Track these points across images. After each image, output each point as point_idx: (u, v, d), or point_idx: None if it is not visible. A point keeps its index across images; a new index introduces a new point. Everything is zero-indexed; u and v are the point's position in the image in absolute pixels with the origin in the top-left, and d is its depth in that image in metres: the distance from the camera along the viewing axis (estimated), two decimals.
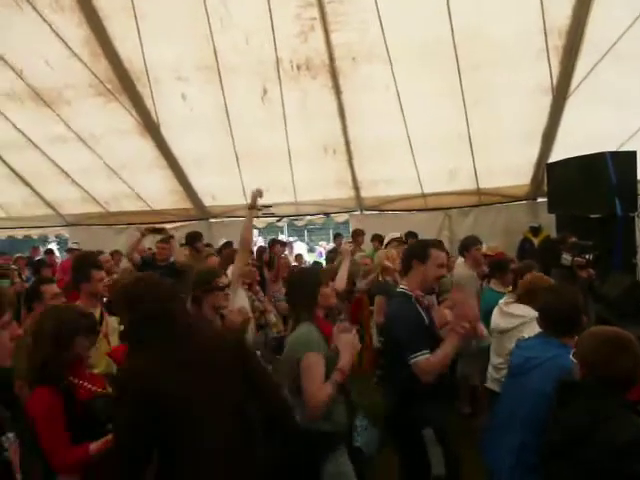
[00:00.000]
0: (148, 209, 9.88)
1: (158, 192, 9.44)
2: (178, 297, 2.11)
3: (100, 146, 8.47)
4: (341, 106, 7.43)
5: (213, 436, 1.86)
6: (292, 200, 9.24)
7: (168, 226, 10.08)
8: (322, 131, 7.86)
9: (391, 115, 7.36)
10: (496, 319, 3.90)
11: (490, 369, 3.94)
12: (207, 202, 9.69)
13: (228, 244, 7.62)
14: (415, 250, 3.09)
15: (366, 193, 9.09)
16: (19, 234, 11.32)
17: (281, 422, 2.17)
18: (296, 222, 10.64)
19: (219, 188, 9.27)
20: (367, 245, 8.15)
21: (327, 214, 9.85)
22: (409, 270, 3.05)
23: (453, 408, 4.83)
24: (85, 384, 2.40)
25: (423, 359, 2.73)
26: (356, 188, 8.95)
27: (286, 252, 9.69)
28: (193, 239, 6.75)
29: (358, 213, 9.57)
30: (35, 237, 11.51)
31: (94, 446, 2.28)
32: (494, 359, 3.91)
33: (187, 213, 9.91)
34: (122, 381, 1.94)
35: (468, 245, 5.40)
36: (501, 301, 3.97)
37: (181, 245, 8.85)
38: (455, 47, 6.45)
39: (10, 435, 1.58)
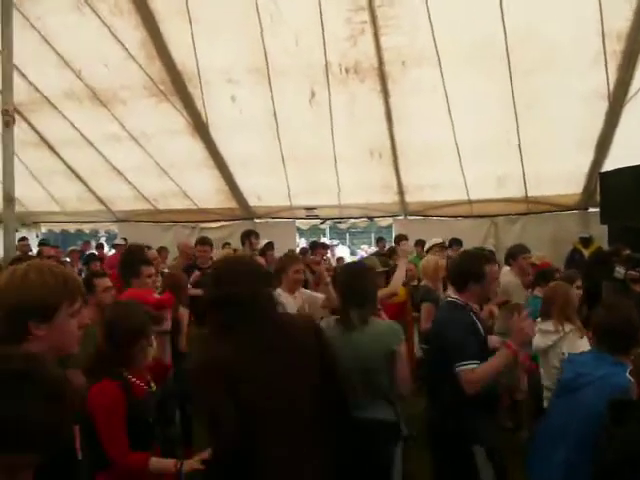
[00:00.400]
0: (195, 207, 10.09)
1: (205, 191, 9.63)
2: (268, 280, 2.14)
3: (151, 145, 8.70)
4: (388, 110, 7.39)
5: (290, 424, 1.91)
6: (336, 203, 9.25)
7: (213, 225, 10.33)
8: (368, 135, 7.84)
9: (439, 119, 7.28)
10: (534, 339, 3.78)
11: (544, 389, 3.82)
12: (252, 202, 9.82)
13: (269, 245, 7.68)
14: (470, 270, 2.91)
15: (411, 198, 9.01)
16: (72, 228, 11.78)
17: (344, 409, 2.19)
18: (339, 225, 10.65)
19: (264, 189, 9.38)
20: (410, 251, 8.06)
21: (371, 218, 9.81)
22: (464, 288, 2.90)
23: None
24: (137, 382, 2.45)
25: (469, 370, 2.63)
26: (401, 193, 8.88)
27: (328, 255, 9.71)
28: (248, 235, 6.85)
29: (402, 218, 9.50)
30: (87, 231, 11.95)
31: (155, 462, 2.30)
32: (544, 380, 3.78)
33: (232, 213, 10.07)
34: (207, 366, 1.94)
35: (515, 253, 5.27)
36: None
37: (224, 245, 9.03)
38: (507, 49, 6.30)
39: None
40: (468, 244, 7.49)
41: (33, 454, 1.02)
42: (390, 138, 7.79)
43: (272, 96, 7.43)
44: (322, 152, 8.12)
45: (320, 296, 4.21)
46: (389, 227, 10.24)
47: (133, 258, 4.19)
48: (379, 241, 10.29)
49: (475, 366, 2.62)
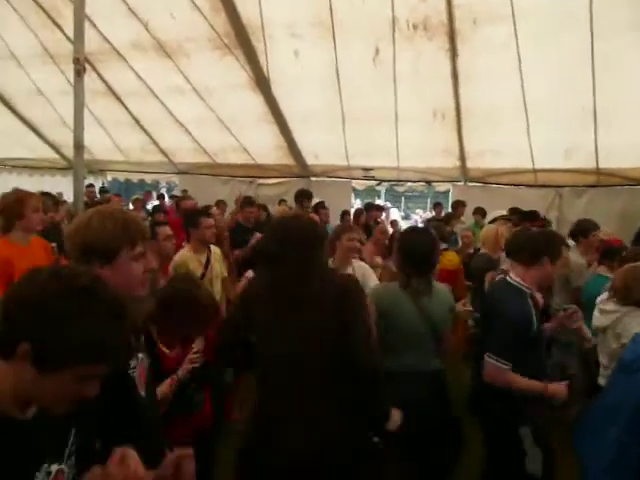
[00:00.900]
0: (253, 163, 10.17)
1: (263, 147, 9.67)
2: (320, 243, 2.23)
3: (213, 99, 8.76)
4: (455, 69, 7.08)
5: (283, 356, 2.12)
6: (394, 165, 9.09)
7: (270, 181, 10.42)
8: (433, 95, 7.57)
9: (508, 81, 6.92)
10: (594, 318, 3.65)
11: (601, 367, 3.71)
12: (310, 160, 9.79)
13: (321, 204, 7.70)
14: (549, 246, 2.74)
15: (472, 164, 8.73)
16: (135, 178, 12.16)
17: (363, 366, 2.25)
18: (396, 188, 10.50)
19: (322, 147, 9.31)
20: (467, 218, 7.90)
21: (429, 182, 9.61)
22: (534, 263, 2.71)
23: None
24: (169, 355, 2.50)
25: (500, 367, 2.59)
26: (462, 158, 8.61)
27: (382, 217, 9.64)
28: (301, 196, 6.88)
29: (461, 184, 9.24)
30: (149, 182, 12.30)
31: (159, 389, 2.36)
32: (601, 357, 3.67)
33: (289, 170, 10.10)
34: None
35: (587, 230, 4.88)
36: (598, 298, 3.70)
37: (280, 201, 9.12)
38: (591, 6, 5.84)
39: (140, 355, 1.71)
40: None
41: (100, 365, 1.12)
42: (455, 99, 7.50)
43: (335, 52, 7.28)
44: (383, 112, 7.93)
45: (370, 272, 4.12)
46: (447, 193, 10.01)
47: (194, 210, 4.34)
48: (436, 206, 10.10)
49: (507, 368, 2.59)
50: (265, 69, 7.86)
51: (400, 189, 10.59)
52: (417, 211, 22.09)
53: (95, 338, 1.07)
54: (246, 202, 6.27)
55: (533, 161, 8.17)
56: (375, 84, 7.58)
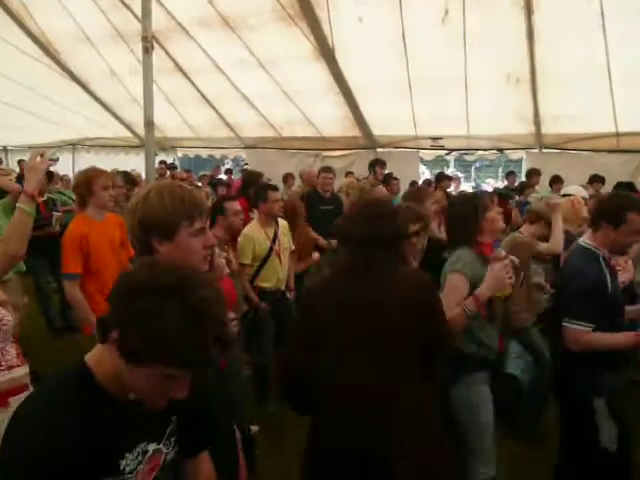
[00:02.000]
0: (318, 135, 10.11)
1: (329, 119, 9.57)
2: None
3: (278, 71, 8.72)
4: (531, 28, 6.65)
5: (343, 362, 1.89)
6: (464, 133, 8.77)
7: (335, 153, 10.35)
8: (506, 57, 7.17)
9: (589, 39, 6.44)
10: None
11: None
12: (376, 131, 9.61)
13: (390, 175, 7.55)
14: (608, 210, 2.62)
15: (547, 129, 8.26)
16: (204, 153, 12.44)
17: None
18: (465, 157, 10.16)
19: (389, 117, 9.09)
20: (542, 188, 7.51)
21: (501, 150, 9.21)
22: (598, 229, 2.64)
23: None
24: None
25: (581, 330, 2.49)
26: (537, 123, 8.17)
27: (452, 188, 9.37)
28: (374, 165, 6.77)
29: (536, 151, 8.80)
30: (217, 157, 12.55)
31: None
32: None
33: (355, 141, 9.97)
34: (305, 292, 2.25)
35: None
36: None
37: (347, 173, 9.04)
38: None
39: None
40: (612, 182, 6.79)
41: (182, 369, 1.09)
42: (530, 61, 7.08)
43: (401, 15, 7.00)
44: (452, 77, 7.61)
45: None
46: (519, 161, 9.57)
47: (262, 184, 4.36)
48: (509, 175, 9.66)
49: (589, 329, 2.48)
50: (329, 38, 7.71)
51: (470, 158, 10.25)
52: (488, 181, 21.30)
53: (169, 341, 1.03)
54: (324, 168, 6.18)
55: (616, 124, 7.62)
56: (444, 48, 7.26)
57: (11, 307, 2.45)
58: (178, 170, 11.09)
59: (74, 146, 12.76)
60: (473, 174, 23.50)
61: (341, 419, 1.84)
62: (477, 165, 21.93)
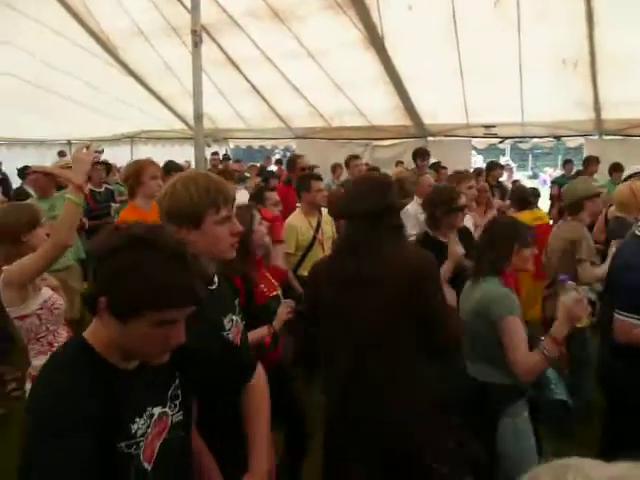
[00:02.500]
0: (368, 125, 10.05)
1: (378, 108, 9.48)
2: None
3: (327, 61, 8.71)
4: (590, 9, 6.34)
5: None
6: (518, 120, 8.49)
7: (385, 143, 10.26)
8: (563, 40, 6.87)
9: None
10: None
11: None
12: (426, 120, 9.45)
13: (438, 163, 7.42)
14: None
15: (608, 115, 7.88)
16: (256, 144, 12.62)
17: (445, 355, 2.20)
18: (520, 145, 9.84)
19: (440, 105, 8.92)
20: (602, 176, 7.19)
21: (558, 137, 8.86)
22: None
23: None
24: (262, 286, 2.64)
25: (630, 322, 2.40)
26: (597, 109, 7.80)
27: (504, 177, 9.12)
28: (417, 155, 6.70)
29: (596, 138, 8.41)
30: (268, 147, 12.70)
31: (250, 335, 2.45)
32: None
33: (405, 130, 9.84)
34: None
35: None
36: None
37: (397, 163, 8.96)
38: None
39: (235, 317, 1.80)
40: None
41: (172, 310, 1.16)
42: (589, 43, 6.76)
43: (452, 1, 6.84)
44: (506, 63, 7.37)
45: None
46: (578, 148, 9.16)
47: (305, 173, 4.40)
48: (566, 163, 9.29)
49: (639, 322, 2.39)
50: (379, 27, 7.63)
51: (525, 146, 9.91)
52: (545, 169, 20.55)
53: (157, 284, 1.11)
54: (351, 156, 6.16)
55: None
56: (496, 32, 7.03)
57: (69, 292, 2.61)
58: (231, 161, 11.29)
59: (132, 139, 13.23)
60: (530, 162, 22.75)
61: (332, 379, 2.11)
62: (534, 153, 21.19)
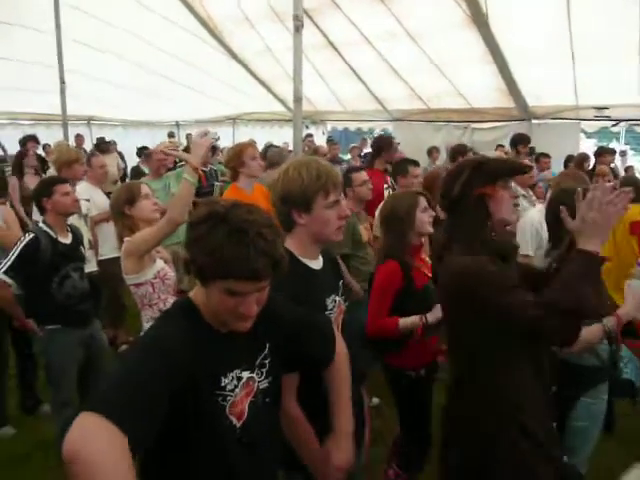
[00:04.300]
0: (468, 107, 9.75)
1: (480, 89, 9.16)
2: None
3: (427, 42, 8.53)
4: None
5: None
6: (635, 102, 7.85)
7: (485, 125, 9.90)
8: None
9: None
10: None
11: None
12: (531, 102, 9.00)
13: (538, 154, 7.05)
14: None
15: None
16: (352, 127, 12.66)
17: None
18: (638, 128, 9.10)
19: (546, 86, 8.44)
20: None
21: None
22: None
23: None
24: (421, 269, 2.68)
25: None
26: None
27: (616, 162, 8.47)
28: (516, 141, 6.43)
29: None
30: (365, 130, 12.68)
31: (402, 322, 2.56)
32: None
33: (507, 113, 9.44)
34: None
35: None
36: None
37: (498, 147, 8.63)
38: None
39: (337, 298, 1.89)
40: None
41: (236, 281, 1.23)
42: None
43: None
44: (623, 39, 6.82)
45: None
46: None
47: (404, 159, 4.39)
48: None
49: None
50: (483, 5, 7.33)
51: None
52: None
53: (216, 255, 1.21)
54: (456, 150, 5.78)
55: None
56: (615, 5, 6.52)
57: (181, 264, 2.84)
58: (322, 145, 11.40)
59: (234, 120, 13.76)
60: None
61: None
62: None
